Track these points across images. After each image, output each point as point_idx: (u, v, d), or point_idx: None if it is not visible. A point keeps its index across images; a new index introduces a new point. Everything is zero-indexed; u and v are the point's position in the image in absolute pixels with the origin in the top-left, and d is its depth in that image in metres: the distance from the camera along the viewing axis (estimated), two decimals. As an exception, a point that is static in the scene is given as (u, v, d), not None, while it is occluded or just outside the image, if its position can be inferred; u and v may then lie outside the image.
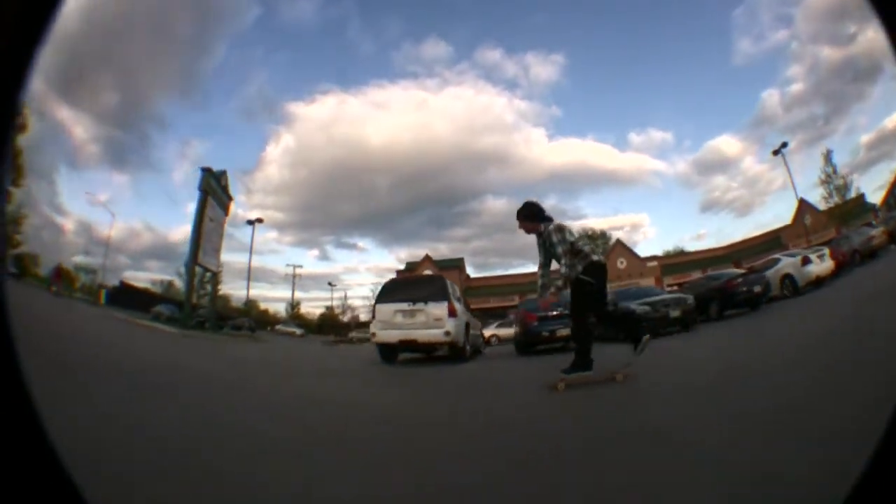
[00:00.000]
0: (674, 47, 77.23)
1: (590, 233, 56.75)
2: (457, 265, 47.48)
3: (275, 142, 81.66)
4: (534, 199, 5.28)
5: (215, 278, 29.77)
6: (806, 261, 13.40)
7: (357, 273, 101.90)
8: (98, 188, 69.11)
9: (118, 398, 3.46)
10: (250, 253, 35.82)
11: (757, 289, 11.83)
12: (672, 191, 75.73)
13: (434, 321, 8.99)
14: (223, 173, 29.36)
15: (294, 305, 54.18)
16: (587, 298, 4.84)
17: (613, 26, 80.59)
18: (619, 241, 45.14)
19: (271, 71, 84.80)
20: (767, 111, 69.25)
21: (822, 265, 13.37)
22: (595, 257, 4.89)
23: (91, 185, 72.41)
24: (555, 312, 9.79)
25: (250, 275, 40.09)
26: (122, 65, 57.80)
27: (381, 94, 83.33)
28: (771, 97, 73.42)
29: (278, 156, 79.32)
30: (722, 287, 12.03)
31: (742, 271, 13.79)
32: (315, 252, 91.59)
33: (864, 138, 55.80)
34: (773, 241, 36.36)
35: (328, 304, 57.49)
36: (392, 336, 9.16)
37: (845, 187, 33.75)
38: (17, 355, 0.80)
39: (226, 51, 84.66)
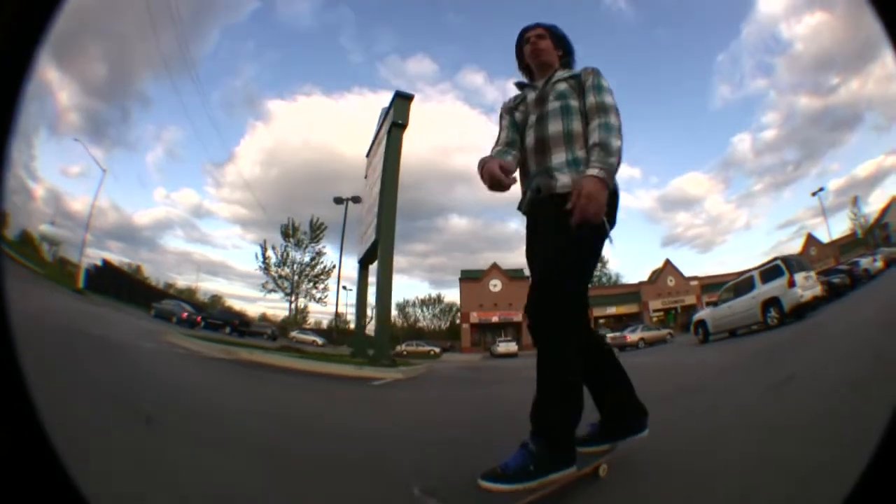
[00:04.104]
0: (652, 87, 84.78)
1: None
2: (525, 276, 44.88)
3: (251, 137, 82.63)
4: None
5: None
6: (874, 260, 22.58)
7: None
8: (72, 159, 67.16)
9: (121, 398, 3.31)
10: (343, 231, 25.81)
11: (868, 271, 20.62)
12: (634, 224, 79.16)
13: (813, 282, 12.91)
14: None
15: (301, 310, 45.07)
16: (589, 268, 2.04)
17: (595, 62, 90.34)
18: (668, 262, 46.23)
19: (259, 66, 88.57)
20: (737, 154, 75.78)
21: (879, 264, 22.56)
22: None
23: (66, 156, 72.05)
24: None
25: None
26: (116, 36, 58.03)
27: (361, 102, 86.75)
28: (742, 141, 79.28)
29: (253, 152, 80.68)
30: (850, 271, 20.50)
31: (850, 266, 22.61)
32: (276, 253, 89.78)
33: (835, 184, 61.64)
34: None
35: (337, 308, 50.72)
36: (809, 294, 12.36)
37: (866, 224, 44.16)
38: (17, 355, 0.79)
39: (218, 39, 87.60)
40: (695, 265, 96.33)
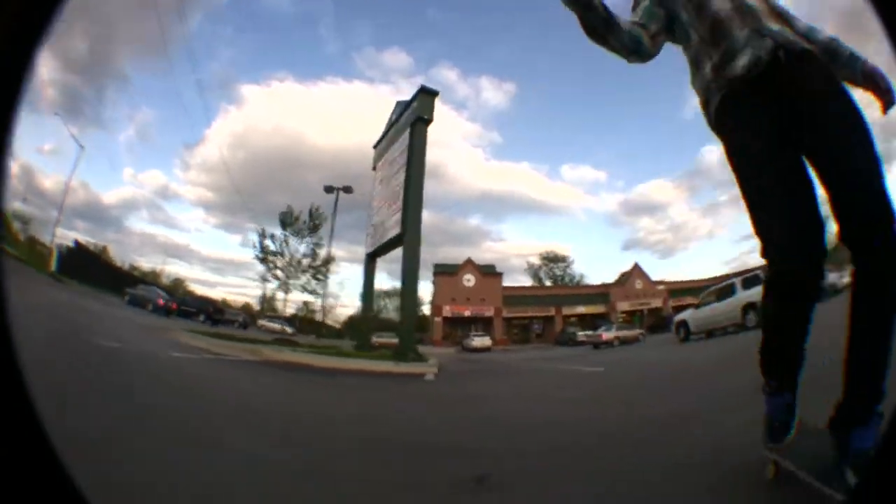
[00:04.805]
0: (626, 92, 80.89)
1: (550, 255, 57.37)
2: (497, 273, 47.86)
3: (222, 120, 78.33)
4: None
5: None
6: (841, 277, 24.96)
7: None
8: (46, 136, 62.55)
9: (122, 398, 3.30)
10: (332, 222, 25.59)
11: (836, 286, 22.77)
12: (596, 226, 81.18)
13: None
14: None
15: (269, 297, 42.52)
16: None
17: (571, 66, 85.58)
18: (636, 265, 46.36)
19: (236, 50, 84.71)
20: (704, 164, 71.58)
21: (847, 279, 24.96)
22: None
23: (41, 133, 68.51)
24: None
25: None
26: (99, 13, 54.44)
27: (333, 91, 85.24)
28: (711, 152, 74.18)
29: (223, 135, 75.80)
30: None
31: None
32: (237, 238, 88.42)
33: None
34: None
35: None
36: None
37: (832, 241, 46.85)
38: (16, 354, 0.78)
39: (198, 23, 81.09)
40: (654, 270, 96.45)
